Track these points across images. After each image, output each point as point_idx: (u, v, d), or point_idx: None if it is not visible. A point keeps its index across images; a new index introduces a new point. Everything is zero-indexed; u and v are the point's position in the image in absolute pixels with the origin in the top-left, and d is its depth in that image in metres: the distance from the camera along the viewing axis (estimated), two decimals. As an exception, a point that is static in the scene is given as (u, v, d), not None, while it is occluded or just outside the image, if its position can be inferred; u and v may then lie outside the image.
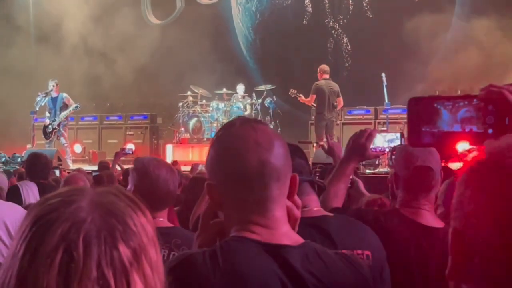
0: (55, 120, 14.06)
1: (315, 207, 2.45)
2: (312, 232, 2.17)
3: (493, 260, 1.01)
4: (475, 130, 1.40)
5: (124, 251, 1.08)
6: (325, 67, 12.87)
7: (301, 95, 12.99)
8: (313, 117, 13.16)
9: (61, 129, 14.15)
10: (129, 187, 3.12)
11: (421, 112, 1.49)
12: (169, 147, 15.28)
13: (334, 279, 1.61)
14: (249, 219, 1.64)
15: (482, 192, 1.04)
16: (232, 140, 1.67)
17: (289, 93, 13.21)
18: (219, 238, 1.70)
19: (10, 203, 3.10)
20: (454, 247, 1.09)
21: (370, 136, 2.88)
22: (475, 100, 1.45)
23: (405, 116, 1.56)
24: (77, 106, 14.01)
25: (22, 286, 1.05)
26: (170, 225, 3.15)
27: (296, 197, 1.73)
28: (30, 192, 6.07)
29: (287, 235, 1.65)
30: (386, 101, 11.97)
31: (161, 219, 3.09)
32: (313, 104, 12.77)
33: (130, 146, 14.21)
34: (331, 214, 2.48)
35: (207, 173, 1.73)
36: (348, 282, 1.64)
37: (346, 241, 2.31)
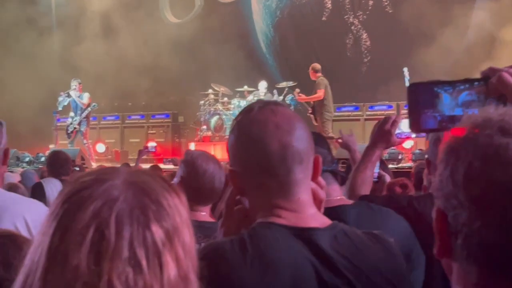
0: (76, 120, 14.20)
1: (337, 196, 2.46)
2: None
3: (476, 240, 1.00)
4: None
5: (157, 231, 1.06)
6: (318, 65, 13.28)
7: (301, 94, 13.25)
8: (327, 114, 13.19)
9: (82, 129, 14.27)
10: (175, 179, 3.11)
11: (421, 97, 1.47)
12: (191, 146, 15.32)
13: (364, 259, 1.60)
14: (274, 203, 1.62)
15: (458, 172, 1.02)
16: (252, 124, 1.64)
17: (293, 93, 13.31)
18: (244, 225, 1.68)
19: (31, 199, 3.11)
20: (438, 227, 1.07)
21: (395, 122, 2.87)
22: (476, 83, 1.44)
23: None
24: (94, 106, 14.17)
25: (52, 264, 1.04)
26: (212, 220, 3.13)
27: (320, 178, 1.72)
28: (54, 189, 6.13)
29: (314, 218, 1.64)
30: (408, 95, 11.84)
31: (203, 213, 3.08)
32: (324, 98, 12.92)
33: (152, 144, 14.37)
34: (350, 202, 2.49)
35: (229, 160, 1.71)
36: (379, 261, 1.62)
37: (365, 229, 2.33)
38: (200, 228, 2.69)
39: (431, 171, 2.87)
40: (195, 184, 2.98)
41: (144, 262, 1.02)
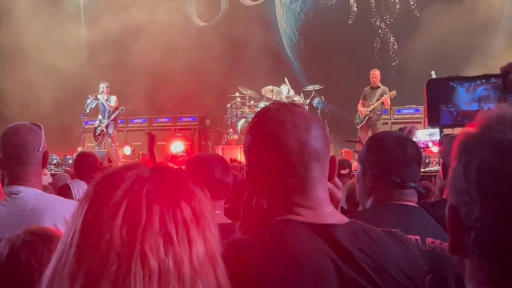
0: (103, 123, 14.30)
1: None
2: None
3: (488, 236, 0.99)
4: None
5: (186, 208, 1.11)
6: None
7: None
8: (381, 119, 13.19)
9: (110, 132, 14.36)
10: None
11: (439, 93, 1.50)
12: (219, 149, 15.32)
13: (383, 254, 1.61)
14: (292, 201, 1.64)
15: (471, 168, 1.01)
16: (270, 124, 1.66)
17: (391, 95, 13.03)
18: (262, 225, 1.68)
19: (71, 201, 3.25)
20: (451, 222, 1.06)
21: (410, 133, 2.88)
22: (492, 78, 1.46)
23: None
24: (122, 109, 14.22)
25: (86, 238, 1.08)
26: (228, 221, 3.17)
27: (336, 178, 1.74)
28: (81, 191, 6.14)
29: (332, 215, 1.65)
30: (436, 99, 11.71)
31: (218, 212, 3.15)
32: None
33: (178, 147, 14.43)
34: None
35: (246, 160, 1.73)
36: (398, 257, 1.63)
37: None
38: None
39: (445, 175, 2.87)
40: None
41: (174, 235, 1.08)
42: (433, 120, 1.52)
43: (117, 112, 14.20)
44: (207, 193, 1.18)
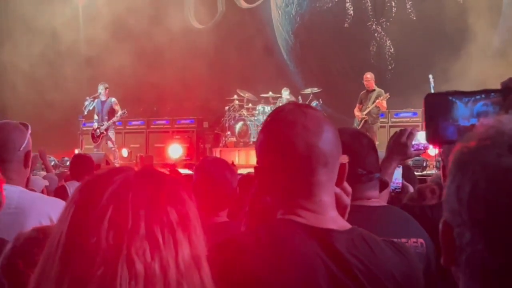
0: (103, 125, 14.19)
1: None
2: None
3: (479, 261, 0.98)
4: None
5: (171, 211, 1.11)
6: None
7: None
8: (378, 123, 13.21)
9: (109, 134, 14.28)
10: None
11: (438, 108, 1.46)
12: (217, 151, 15.33)
13: (380, 264, 1.59)
14: (295, 203, 1.64)
15: (463, 191, 0.98)
16: (281, 124, 1.66)
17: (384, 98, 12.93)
18: (265, 222, 1.71)
19: (57, 199, 3.20)
20: (445, 239, 1.05)
21: (411, 134, 2.84)
22: (492, 94, 1.43)
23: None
24: (124, 112, 14.05)
25: (72, 242, 1.08)
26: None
27: (345, 184, 1.73)
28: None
29: (333, 220, 1.64)
30: (434, 102, 11.69)
31: (220, 217, 3.19)
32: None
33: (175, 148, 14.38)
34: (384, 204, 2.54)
35: (257, 157, 1.73)
36: (394, 267, 1.62)
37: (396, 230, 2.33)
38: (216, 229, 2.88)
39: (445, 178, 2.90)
40: (209, 189, 3.11)
41: (160, 238, 1.09)
42: (431, 137, 1.50)
43: (118, 115, 14.16)
44: (191, 195, 1.19)
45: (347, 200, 1.73)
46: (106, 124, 14.17)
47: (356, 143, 2.42)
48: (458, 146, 1.04)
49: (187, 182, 1.25)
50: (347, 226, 1.65)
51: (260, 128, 1.84)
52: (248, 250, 1.58)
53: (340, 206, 1.69)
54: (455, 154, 1.03)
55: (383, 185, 2.55)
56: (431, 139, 1.52)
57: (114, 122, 14.31)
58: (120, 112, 14.03)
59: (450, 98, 1.46)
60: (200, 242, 1.15)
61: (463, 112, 1.45)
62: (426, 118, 1.50)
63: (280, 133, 1.64)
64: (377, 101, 12.70)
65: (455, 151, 1.04)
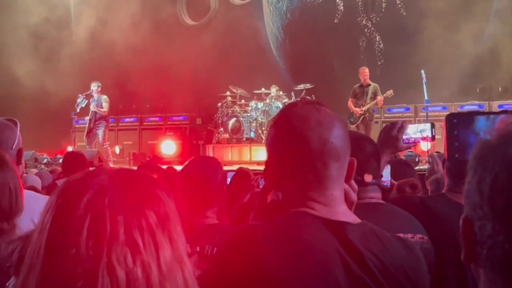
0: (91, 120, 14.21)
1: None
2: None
3: (500, 253, 0.98)
4: None
5: (150, 214, 1.11)
6: None
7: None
8: (374, 119, 13.18)
9: (99, 131, 14.22)
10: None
11: (459, 125, 1.49)
12: (209, 148, 15.30)
13: (391, 258, 1.62)
14: (308, 196, 1.66)
15: (484, 183, 0.99)
16: (295, 119, 1.68)
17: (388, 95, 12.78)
18: (275, 216, 1.72)
19: (48, 197, 3.19)
20: (465, 234, 1.05)
21: (401, 127, 2.84)
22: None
23: (445, 113, 1.60)
24: (83, 97, 14.07)
25: (51, 255, 1.07)
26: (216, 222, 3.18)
27: (352, 181, 1.76)
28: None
29: (345, 214, 1.67)
30: (426, 98, 11.73)
31: (209, 218, 3.11)
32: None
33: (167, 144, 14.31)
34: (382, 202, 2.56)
35: (268, 152, 1.75)
36: (404, 262, 1.65)
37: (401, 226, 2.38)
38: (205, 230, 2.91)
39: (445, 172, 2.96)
40: (194, 188, 3.07)
41: (140, 243, 1.08)
42: (452, 154, 1.54)
43: (80, 102, 14.08)
44: (169, 194, 1.18)
45: (354, 196, 1.77)
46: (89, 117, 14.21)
47: (356, 149, 2.50)
48: (480, 141, 1.06)
49: (165, 180, 1.31)
50: (358, 220, 1.69)
51: (270, 123, 1.87)
52: (265, 239, 1.60)
53: (347, 202, 1.73)
54: (476, 149, 1.04)
55: (384, 190, 2.60)
56: (451, 157, 1.54)
57: (106, 119, 14.25)
58: (80, 98, 14.02)
59: (473, 116, 1.50)
60: (181, 241, 1.15)
61: (484, 125, 1.48)
62: (447, 136, 1.53)
63: (295, 128, 1.67)
64: (378, 97, 12.67)
65: (477, 145, 1.05)
